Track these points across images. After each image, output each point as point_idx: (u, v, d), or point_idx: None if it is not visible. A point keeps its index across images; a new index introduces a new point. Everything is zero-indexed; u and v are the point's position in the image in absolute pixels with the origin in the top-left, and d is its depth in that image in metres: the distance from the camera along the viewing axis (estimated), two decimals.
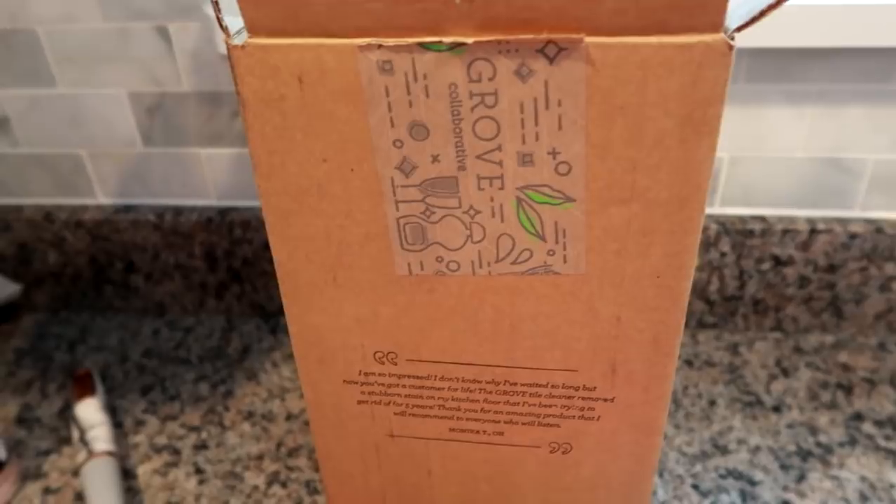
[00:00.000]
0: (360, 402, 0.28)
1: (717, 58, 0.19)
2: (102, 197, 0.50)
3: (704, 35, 0.19)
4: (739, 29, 0.19)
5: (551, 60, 0.20)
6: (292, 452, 0.41)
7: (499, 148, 0.22)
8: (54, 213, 0.50)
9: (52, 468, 0.41)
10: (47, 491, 0.39)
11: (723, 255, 0.46)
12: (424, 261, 0.24)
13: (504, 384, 0.27)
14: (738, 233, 0.45)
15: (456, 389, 0.27)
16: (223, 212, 0.49)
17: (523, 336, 0.25)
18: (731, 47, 0.19)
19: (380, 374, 0.27)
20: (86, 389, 0.44)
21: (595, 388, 0.26)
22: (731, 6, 0.20)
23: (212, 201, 0.50)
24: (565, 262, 0.24)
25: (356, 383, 0.28)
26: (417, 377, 0.27)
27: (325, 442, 0.30)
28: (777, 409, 0.43)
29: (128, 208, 0.50)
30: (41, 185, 0.50)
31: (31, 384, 0.47)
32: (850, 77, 0.41)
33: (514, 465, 0.29)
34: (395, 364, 0.27)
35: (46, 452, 0.42)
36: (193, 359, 0.49)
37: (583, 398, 0.27)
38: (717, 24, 0.19)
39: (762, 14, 0.19)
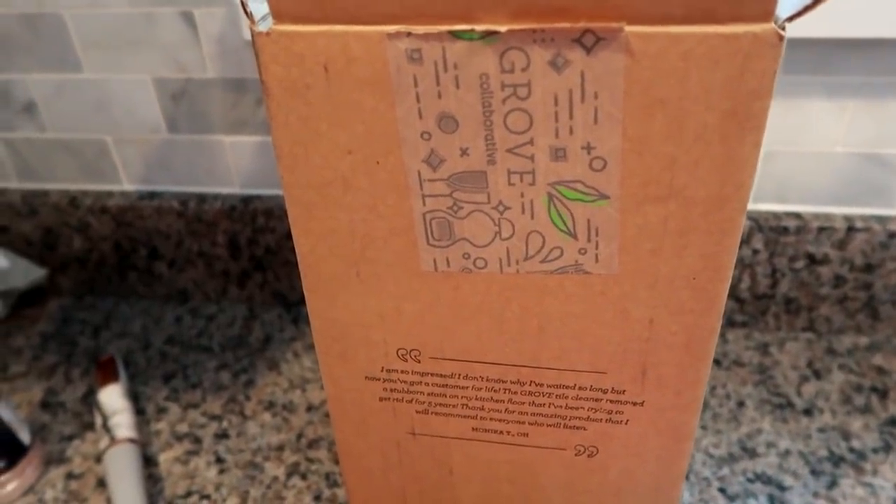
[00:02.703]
0: (381, 399, 0.28)
1: (766, 49, 0.18)
2: (127, 183, 0.50)
3: (753, 25, 0.18)
4: (791, 18, 0.18)
5: (588, 50, 0.19)
6: (312, 444, 0.41)
7: (530, 142, 0.21)
8: (79, 198, 0.50)
9: (75, 453, 0.41)
10: (70, 476, 0.40)
11: (755, 252, 0.45)
12: (451, 257, 0.24)
13: (530, 384, 0.26)
14: (772, 230, 0.44)
15: (480, 389, 0.27)
16: (246, 200, 0.48)
17: (551, 336, 0.25)
18: (781, 38, 0.18)
19: (402, 372, 0.27)
20: (109, 376, 0.44)
21: (624, 391, 0.25)
22: None
23: (235, 189, 0.50)
24: (597, 261, 0.23)
25: (378, 380, 0.27)
26: (441, 375, 0.27)
27: (345, 438, 0.30)
28: (808, 412, 0.42)
29: (152, 195, 0.50)
30: (67, 171, 0.51)
31: (55, 369, 0.47)
32: (893, 69, 0.40)
33: (538, 466, 0.28)
34: (419, 361, 0.26)
35: (70, 437, 0.42)
36: (215, 347, 0.49)
37: (611, 401, 0.26)
38: (767, 13, 0.18)
39: (816, 2, 0.18)
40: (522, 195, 0.22)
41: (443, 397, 0.27)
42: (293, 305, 0.52)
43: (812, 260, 0.44)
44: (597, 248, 0.22)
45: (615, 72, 0.19)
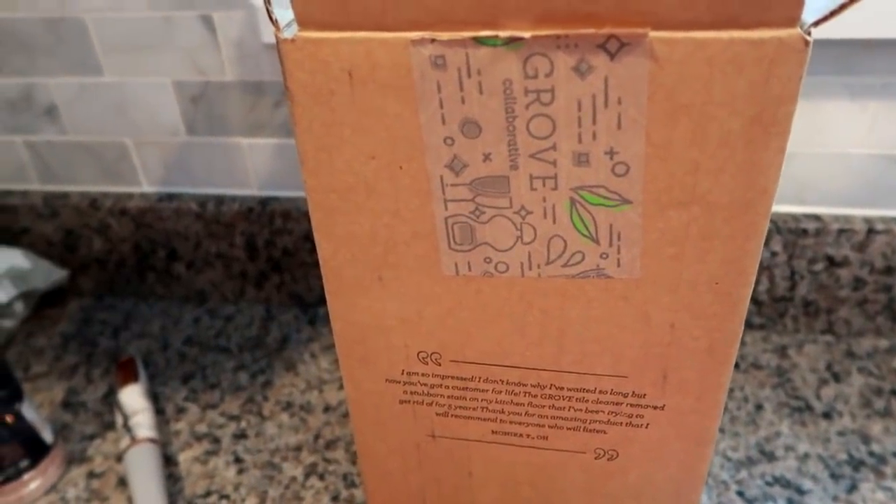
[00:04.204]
0: (402, 402, 0.28)
1: (792, 54, 0.18)
2: (147, 185, 0.51)
3: (778, 30, 0.18)
4: (817, 23, 0.18)
5: (612, 56, 0.19)
6: (330, 444, 0.41)
7: (553, 147, 0.21)
8: (100, 200, 0.50)
9: (96, 453, 0.41)
10: (91, 475, 0.40)
11: (774, 254, 0.44)
12: (472, 261, 0.24)
13: (550, 388, 0.26)
14: (791, 231, 0.43)
15: (500, 392, 0.27)
16: (264, 202, 0.49)
17: (572, 341, 0.25)
18: (807, 43, 0.18)
19: (423, 375, 0.27)
20: (129, 376, 0.44)
21: (645, 395, 0.25)
22: None
23: (253, 191, 0.50)
24: (619, 265, 0.23)
25: (399, 383, 0.27)
26: (461, 378, 0.27)
27: (365, 440, 0.30)
28: (827, 415, 0.41)
29: (171, 197, 0.50)
30: (87, 173, 0.51)
31: (76, 369, 0.48)
32: None
33: (558, 469, 0.29)
34: (439, 364, 0.26)
35: (91, 437, 0.43)
36: (233, 347, 0.49)
37: (631, 405, 0.26)
38: (793, 18, 0.18)
39: (842, 7, 0.18)
40: (544, 200, 0.22)
41: (463, 400, 0.27)
42: (310, 306, 0.52)
43: (831, 262, 0.44)
44: (619, 252, 0.22)
45: (639, 77, 0.19)
